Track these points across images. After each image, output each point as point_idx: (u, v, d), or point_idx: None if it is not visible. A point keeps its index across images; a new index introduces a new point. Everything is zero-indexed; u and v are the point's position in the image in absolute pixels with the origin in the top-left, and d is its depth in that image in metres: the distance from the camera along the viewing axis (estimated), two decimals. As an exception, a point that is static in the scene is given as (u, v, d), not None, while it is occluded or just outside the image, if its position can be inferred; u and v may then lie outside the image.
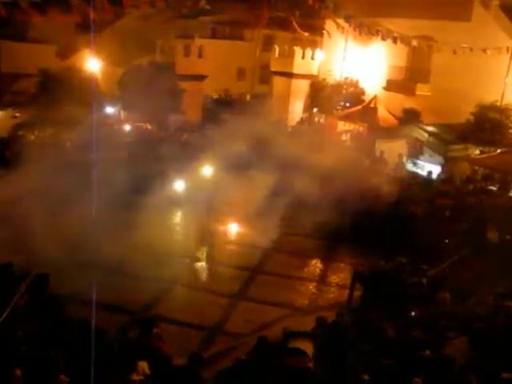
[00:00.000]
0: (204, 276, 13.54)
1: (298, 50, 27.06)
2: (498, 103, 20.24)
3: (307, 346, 8.69)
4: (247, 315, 11.56)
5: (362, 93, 25.83)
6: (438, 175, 18.99)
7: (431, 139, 20.49)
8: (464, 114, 20.09)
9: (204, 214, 15.36)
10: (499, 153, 19.19)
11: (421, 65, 24.23)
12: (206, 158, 17.53)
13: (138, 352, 7.75)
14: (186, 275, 13.34)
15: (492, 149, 19.42)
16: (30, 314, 8.57)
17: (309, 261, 14.83)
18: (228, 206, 16.17)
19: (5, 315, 7.90)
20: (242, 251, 15.10)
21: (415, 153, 21.53)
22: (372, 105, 22.93)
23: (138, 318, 9.79)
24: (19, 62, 26.78)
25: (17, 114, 23.45)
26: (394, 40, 22.17)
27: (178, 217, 16.98)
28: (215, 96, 30.71)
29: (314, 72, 27.62)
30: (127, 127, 22.80)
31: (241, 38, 35.58)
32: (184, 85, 25.43)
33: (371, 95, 24.18)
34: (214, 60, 27.21)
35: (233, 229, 16.17)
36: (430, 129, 20.78)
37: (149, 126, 23.11)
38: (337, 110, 25.21)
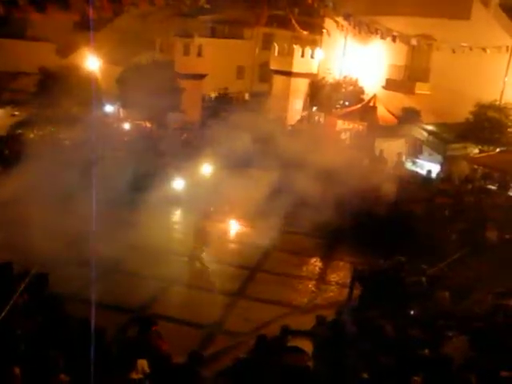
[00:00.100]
0: (203, 274, 13.54)
1: (297, 49, 27.03)
2: (498, 102, 20.23)
3: (307, 345, 8.70)
4: (247, 314, 11.56)
5: (362, 92, 25.81)
6: (438, 174, 19.00)
7: (430, 138, 20.50)
8: (463, 113, 20.09)
9: (203, 213, 15.35)
10: (498, 152, 19.20)
11: (420, 64, 24.21)
12: (206, 157, 17.52)
13: (137, 351, 7.75)
14: (186, 274, 13.34)
15: (491, 148, 19.43)
16: (30, 312, 8.56)
17: (308, 259, 14.84)
18: (227, 205, 16.18)
19: (4, 314, 7.88)
20: (241, 250, 15.11)
21: (414, 152, 21.56)
22: (371, 104, 22.91)
23: (137, 317, 9.77)
24: (18, 60, 26.80)
25: (16, 112, 23.45)
26: (393, 39, 22.25)
27: (177, 215, 16.98)
28: (213, 95, 30.71)
29: (314, 71, 27.60)
30: (126, 125, 22.78)
31: (240, 37, 35.56)
32: (183, 83, 25.44)
33: (371, 94, 24.15)
34: (213, 59, 27.18)
35: (232, 227, 16.17)
36: (430, 128, 20.79)
37: (148, 125, 23.10)
38: (336, 108, 25.18)
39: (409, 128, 21.28)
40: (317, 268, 14.55)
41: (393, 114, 22.71)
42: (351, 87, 26.06)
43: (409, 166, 20.61)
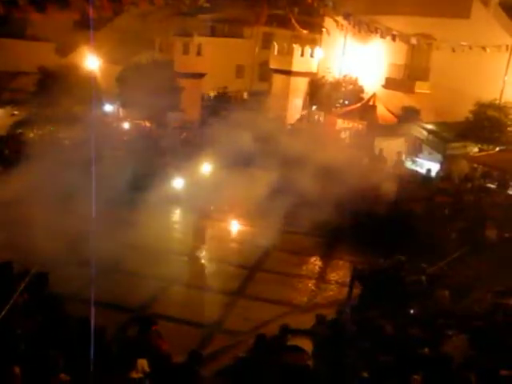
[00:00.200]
0: (203, 274, 13.55)
1: (297, 48, 27.01)
2: (497, 101, 20.23)
3: (306, 344, 8.71)
4: (246, 313, 11.57)
5: (361, 91, 25.81)
6: (437, 173, 18.99)
7: (430, 137, 20.49)
8: (463, 111, 20.08)
9: (203, 212, 15.36)
10: (498, 151, 19.20)
11: (420, 63, 24.20)
12: (205, 156, 17.52)
13: (137, 350, 7.75)
14: (185, 273, 13.35)
15: (491, 147, 19.42)
16: (30, 312, 8.57)
17: (308, 258, 14.84)
18: (227, 204, 16.18)
19: (4, 313, 7.89)
20: (240, 249, 15.11)
21: (414, 151, 21.54)
22: (371, 103, 22.91)
23: (137, 316, 9.79)
24: (18, 59, 26.79)
25: (15, 112, 23.45)
26: (393, 38, 22.25)
27: (177, 214, 16.99)
28: (212, 94, 30.69)
29: (313, 70, 27.59)
30: (126, 125, 22.78)
31: (240, 36, 35.56)
32: (183, 82, 25.42)
33: (370, 93, 24.16)
34: (212, 58, 27.18)
35: (232, 226, 16.18)
36: (429, 127, 20.77)
37: (148, 124, 23.10)
38: (336, 107, 25.18)
39: (408, 127, 21.28)
40: (316, 267, 14.55)
41: (392, 113, 22.72)
42: (351, 86, 26.05)
43: (408, 164, 20.59)
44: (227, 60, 31.87)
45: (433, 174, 18.88)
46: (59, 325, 8.25)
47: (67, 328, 8.20)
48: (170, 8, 29.42)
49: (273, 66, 28.19)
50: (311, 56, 27.39)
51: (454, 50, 20.57)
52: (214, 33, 34.63)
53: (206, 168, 17.33)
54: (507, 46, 20.47)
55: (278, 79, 27.99)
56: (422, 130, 20.83)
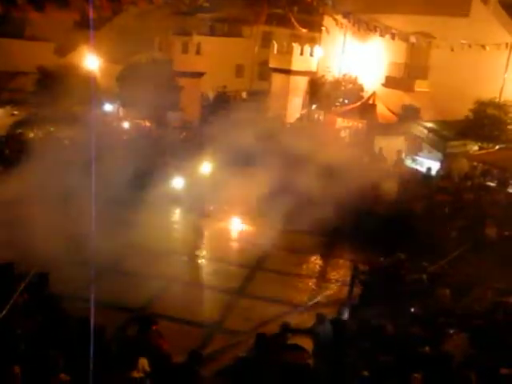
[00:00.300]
0: (203, 273, 13.54)
1: (296, 47, 26.98)
2: (497, 99, 20.23)
3: (307, 343, 8.72)
4: (247, 313, 11.55)
5: (361, 89, 25.80)
6: (437, 171, 18.97)
7: (430, 135, 20.49)
8: (463, 110, 20.08)
9: (203, 211, 15.35)
10: (498, 149, 19.20)
11: (419, 61, 24.19)
12: (205, 155, 17.50)
13: (137, 350, 7.75)
14: (185, 273, 13.34)
15: (491, 145, 19.42)
16: (30, 312, 8.56)
17: (308, 257, 14.82)
18: (227, 203, 16.18)
19: (4, 313, 7.89)
20: (241, 248, 15.11)
21: (414, 149, 21.54)
22: (371, 101, 22.90)
23: (137, 316, 9.79)
24: (17, 59, 26.78)
25: (15, 112, 23.46)
26: (392, 36, 22.24)
27: (177, 214, 16.98)
28: (211, 94, 30.68)
29: (313, 68, 27.57)
30: (126, 124, 22.77)
31: (239, 35, 35.55)
32: (182, 82, 25.43)
33: (370, 92, 24.15)
34: (212, 57, 27.18)
35: (231, 226, 16.17)
36: (429, 125, 20.78)
37: (147, 123, 23.09)
38: (336, 106, 25.17)
39: (408, 125, 21.28)
40: (317, 266, 14.54)
41: (392, 112, 22.72)
42: (350, 85, 26.04)
43: (408, 163, 20.58)
44: (227, 59, 31.85)
45: (433, 172, 18.86)
46: (59, 325, 8.25)
47: (67, 328, 8.20)
48: (169, 7, 29.46)
49: (272, 65, 28.17)
50: (311, 55, 27.36)
51: (453, 49, 20.55)
52: (213, 32, 34.61)
53: (205, 167, 17.32)
54: (507, 44, 20.46)
55: (277, 78, 27.97)
56: (421, 128, 20.83)
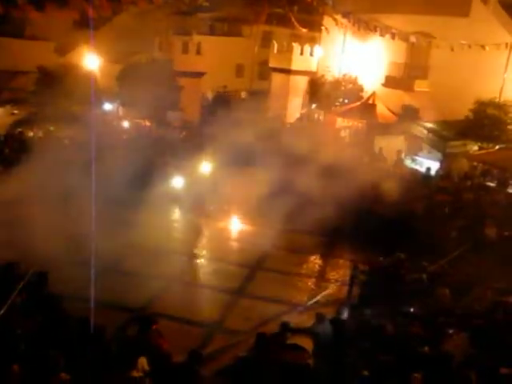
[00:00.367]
0: (203, 273, 13.54)
1: (296, 47, 26.99)
2: (497, 99, 20.25)
3: (307, 342, 8.72)
4: (247, 312, 11.55)
5: (361, 89, 25.82)
6: (437, 171, 18.98)
7: (430, 135, 20.51)
8: (463, 110, 20.10)
9: (203, 211, 15.34)
10: (498, 149, 19.21)
11: (419, 61, 24.21)
12: (205, 155, 17.50)
13: (137, 349, 7.75)
14: (185, 272, 13.34)
15: (490, 145, 19.44)
16: (29, 312, 8.55)
17: (308, 257, 14.83)
18: (227, 203, 16.17)
19: (3, 313, 7.88)
20: (240, 248, 15.10)
21: (414, 149, 21.55)
22: (371, 101, 22.90)
23: (137, 316, 9.78)
24: (17, 58, 26.75)
25: (15, 111, 23.46)
26: (392, 36, 22.26)
27: (176, 214, 16.98)
28: (210, 94, 30.67)
29: (313, 68, 27.58)
30: (126, 124, 22.77)
31: (239, 35, 35.53)
32: (182, 81, 25.43)
33: (370, 92, 24.15)
34: (212, 57, 27.17)
35: (231, 225, 16.16)
36: (429, 125, 20.80)
37: (147, 123, 23.09)
38: (335, 106, 25.19)
39: (408, 125, 21.29)
40: (317, 266, 14.55)
41: (392, 112, 22.72)
42: (350, 85, 26.06)
43: (408, 163, 20.58)
44: (227, 59, 31.84)
45: (432, 172, 18.87)
46: (59, 325, 8.24)
47: (67, 328, 8.19)
48: (169, 7, 29.45)
49: (272, 64, 28.17)
50: (311, 55, 27.37)
51: (453, 49, 20.56)
52: (213, 31, 34.59)
53: (205, 167, 17.32)
54: (506, 44, 20.49)
55: (277, 78, 27.97)
56: (421, 128, 20.85)
